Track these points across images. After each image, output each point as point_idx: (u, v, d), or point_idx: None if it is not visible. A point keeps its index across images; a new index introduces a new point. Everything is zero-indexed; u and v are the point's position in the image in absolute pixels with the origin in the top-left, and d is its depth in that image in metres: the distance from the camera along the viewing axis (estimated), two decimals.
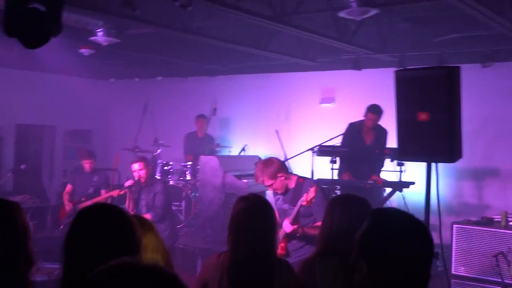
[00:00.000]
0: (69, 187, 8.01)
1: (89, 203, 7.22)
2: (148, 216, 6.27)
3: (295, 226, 4.47)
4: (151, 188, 6.60)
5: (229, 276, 2.92)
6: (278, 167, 4.70)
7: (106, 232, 1.91)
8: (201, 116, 10.05)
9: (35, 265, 2.53)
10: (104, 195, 7.58)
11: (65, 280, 1.90)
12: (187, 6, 5.14)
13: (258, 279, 2.94)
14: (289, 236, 4.61)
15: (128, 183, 6.65)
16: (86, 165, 7.95)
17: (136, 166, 6.57)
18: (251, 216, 3.01)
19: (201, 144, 9.61)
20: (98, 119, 12.45)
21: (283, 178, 4.71)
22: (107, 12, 6.55)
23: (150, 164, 6.81)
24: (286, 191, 4.75)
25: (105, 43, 7.38)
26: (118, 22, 7.13)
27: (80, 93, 11.65)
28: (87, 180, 7.86)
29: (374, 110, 7.28)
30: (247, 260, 2.95)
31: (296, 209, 4.46)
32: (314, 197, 4.30)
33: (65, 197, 7.83)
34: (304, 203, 4.32)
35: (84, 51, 8.42)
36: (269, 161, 4.77)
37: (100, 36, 7.19)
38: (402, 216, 1.88)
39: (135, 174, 6.59)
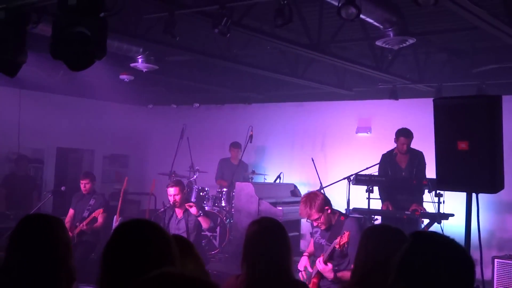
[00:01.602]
0: (71, 212, 7.78)
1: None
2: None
3: (329, 266, 4.37)
4: (186, 212, 6.61)
5: None
6: (324, 200, 4.62)
7: (142, 246, 1.92)
8: (234, 145, 10.06)
9: (75, 281, 2.55)
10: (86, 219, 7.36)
11: None
12: (226, 34, 5.20)
13: None
14: (322, 275, 4.52)
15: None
16: (82, 185, 7.69)
17: (171, 191, 6.59)
18: (264, 239, 3.02)
19: (235, 170, 9.62)
20: (135, 144, 12.62)
21: (329, 211, 4.62)
22: (147, 39, 6.69)
23: (185, 189, 6.82)
24: (329, 226, 4.65)
25: (145, 70, 7.52)
26: (157, 49, 7.26)
27: (119, 119, 11.86)
28: (85, 203, 7.63)
29: (406, 134, 7.25)
30: (262, 282, 2.95)
31: (329, 250, 4.36)
32: (346, 242, 4.18)
33: (67, 223, 7.72)
34: (337, 247, 4.22)
35: (124, 77, 8.59)
36: (314, 194, 4.67)
37: (140, 63, 7.34)
38: (443, 239, 1.84)
39: (170, 198, 6.61)
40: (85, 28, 3.22)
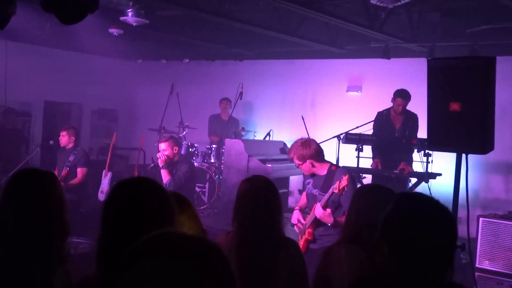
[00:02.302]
0: (57, 170, 7.59)
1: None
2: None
3: (328, 211, 4.42)
4: (177, 167, 6.63)
5: (236, 255, 2.94)
6: (312, 154, 4.66)
7: (142, 204, 1.92)
8: (224, 99, 10.07)
9: (69, 236, 2.57)
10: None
11: (101, 249, 1.92)
12: None
13: (264, 258, 2.96)
14: (317, 222, 4.58)
15: (159, 157, 6.62)
16: (60, 138, 7.53)
17: (162, 146, 6.61)
18: (255, 197, 3.04)
19: (225, 126, 9.61)
20: (124, 99, 12.55)
21: (310, 165, 4.68)
22: None
23: (176, 145, 6.80)
24: (312, 175, 4.74)
25: (135, 24, 7.39)
26: (148, 3, 7.12)
27: (108, 73, 11.74)
28: (65, 159, 7.48)
29: (403, 95, 7.29)
30: (253, 239, 2.99)
31: (328, 195, 4.41)
32: (346, 185, 4.24)
33: None
34: (336, 191, 4.27)
35: (113, 31, 8.45)
36: (308, 143, 4.74)
37: (129, 17, 7.20)
38: (427, 200, 1.86)
39: (160, 154, 6.62)
40: None
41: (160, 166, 6.56)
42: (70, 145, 7.56)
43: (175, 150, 6.69)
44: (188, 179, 6.65)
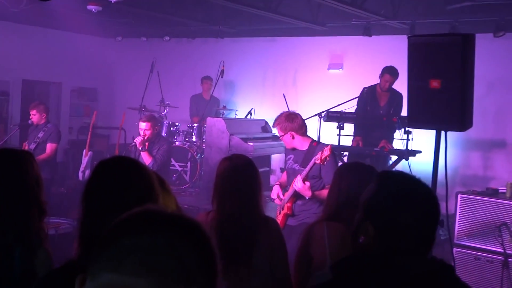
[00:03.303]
0: (24, 145, 7.52)
1: None
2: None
3: (307, 184, 4.46)
4: (156, 146, 6.62)
5: (217, 234, 2.96)
6: (294, 127, 4.76)
7: (124, 183, 1.92)
8: (206, 78, 10.01)
9: (47, 216, 2.56)
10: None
11: (83, 229, 1.91)
12: None
13: (244, 236, 2.99)
14: (296, 196, 4.62)
15: (137, 140, 6.60)
16: (31, 117, 7.43)
17: (142, 125, 6.56)
18: (235, 175, 3.05)
19: (207, 106, 9.58)
20: (104, 78, 12.40)
21: (291, 137, 4.75)
22: None
23: (157, 124, 6.77)
24: (294, 148, 4.80)
25: (113, 1, 7.28)
26: None
27: (87, 51, 11.59)
28: (35, 135, 7.40)
29: (392, 72, 7.34)
30: (233, 218, 3.00)
31: (309, 166, 4.45)
32: (329, 155, 4.28)
33: None
34: (318, 161, 4.31)
35: (92, 8, 8.31)
36: (292, 116, 4.83)
37: None
38: (409, 179, 1.87)
39: (141, 133, 6.59)
40: None
41: (139, 148, 6.51)
42: (42, 122, 7.48)
43: (156, 130, 6.66)
44: (169, 157, 6.65)
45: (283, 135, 4.78)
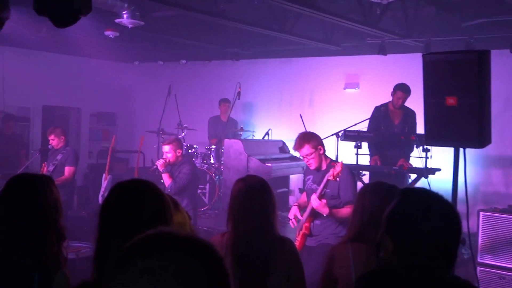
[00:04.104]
0: (44, 166, 7.62)
1: None
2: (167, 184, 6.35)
3: (323, 201, 4.43)
4: (178, 168, 6.60)
5: (232, 254, 2.94)
6: (320, 141, 4.78)
7: (138, 205, 1.93)
8: (224, 100, 10.05)
9: (66, 240, 2.57)
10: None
11: (98, 250, 1.92)
12: None
13: (259, 257, 2.97)
14: (314, 215, 4.59)
15: (159, 162, 6.59)
16: (50, 142, 7.59)
17: (166, 148, 6.56)
18: (248, 196, 3.05)
19: (224, 128, 9.60)
20: (122, 102, 12.54)
21: (322, 152, 4.75)
22: None
23: (180, 147, 6.76)
24: (318, 168, 4.76)
25: (130, 26, 7.38)
26: (143, 5, 7.12)
27: (105, 76, 11.74)
28: (54, 158, 7.53)
29: (404, 89, 7.31)
30: (247, 238, 3.00)
31: (323, 183, 4.43)
32: (341, 171, 4.26)
33: None
34: (331, 178, 4.29)
35: (109, 33, 8.43)
36: (311, 133, 4.86)
37: (125, 19, 7.19)
38: (429, 195, 1.86)
39: (165, 156, 6.58)
40: None
41: (161, 170, 6.50)
42: (61, 145, 7.60)
43: (178, 153, 6.64)
44: (190, 181, 6.62)
45: (314, 153, 4.71)
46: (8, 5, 3.35)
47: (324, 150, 4.81)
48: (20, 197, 2.56)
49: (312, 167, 4.79)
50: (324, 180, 4.42)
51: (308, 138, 4.75)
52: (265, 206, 3.04)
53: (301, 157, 5.01)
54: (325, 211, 4.45)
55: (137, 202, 1.94)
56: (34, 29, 8.29)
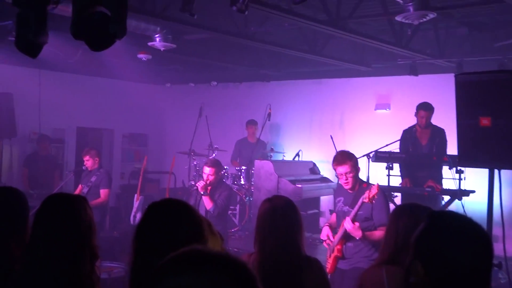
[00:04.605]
0: (79, 187, 7.86)
1: None
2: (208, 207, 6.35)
3: (356, 224, 4.39)
4: (217, 191, 6.61)
5: (259, 275, 2.92)
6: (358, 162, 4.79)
7: (173, 224, 1.94)
8: (251, 123, 10.07)
9: (98, 260, 2.60)
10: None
11: (133, 269, 1.93)
12: (244, 11, 5.16)
13: (286, 277, 2.96)
14: (346, 238, 4.55)
15: (199, 184, 6.60)
16: (85, 163, 7.73)
17: (207, 170, 6.57)
18: (274, 216, 3.05)
19: (253, 149, 9.61)
20: (154, 123, 12.70)
21: (358, 174, 4.73)
22: (165, 18, 6.67)
23: (221, 170, 6.79)
24: (352, 188, 4.73)
25: (163, 49, 7.51)
26: (175, 28, 7.24)
27: (137, 98, 11.92)
28: (88, 180, 7.67)
29: (425, 107, 7.22)
30: (273, 258, 2.99)
31: (357, 206, 4.39)
32: (377, 193, 4.22)
33: None
34: (366, 200, 4.25)
35: (142, 57, 8.60)
36: (353, 154, 4.84)
37: (157, 42, 7.32)
38: (459, 218, 1.83)
39: (204, 177, 6.59)
40: (105, 7, 3.23)
41: (201, 192, 6.50)
42: (95, 166, 7.73)
43: (219, 175, 6.67)
44: (228, 205, 6.65)
45: (354, 172, 4.68)
46: (47, 30, 3.45)
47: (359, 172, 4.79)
48: (55, 216, 2.60)
49: (347, 187, 4.75)
50: (359, 203, 4.38)
51: (351, 157, 4.73)
52: (291, 226, 3.04)
53: (336, 176, 4.97)
54: (358, 234, 4.40)
55: (173, 221, 1.95)
56: (70, 53, 8.50)
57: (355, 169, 4.68)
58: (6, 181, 9.32)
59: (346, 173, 4.67)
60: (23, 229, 3.01)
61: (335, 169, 4.82)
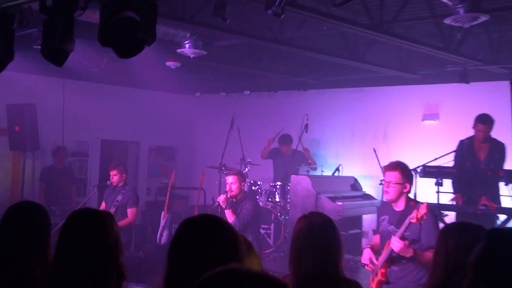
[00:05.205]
0: (102, 205, 7.95)
1: None
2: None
3: (406, 242, 4.35)
4: (240, 204, 6.67)
5: None
6: (412, 180, 4.75)
7: (208, 242, 1.97)
8: (284, 141, 9.97)
9: (126, 279, 2.65)
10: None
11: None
12: (280, 14, 5.20)
13: None
14: (392, 260, 4.51)
15: (220, 198, 6.70)
16: (110, 177, 7.82)
17: (229, 179, 6.68)
18: (310, 234, 3.02)
19: (290, 162, 9.56)
20: (182, 135, 12.83)
21: (406, 190, 4.68)
22: (195, 23, 6.76)
23: (244, 180, 6.88)
24: (393, 200, 4.70)
25: (192, 56, 7.60)
26: (205, 34, 7.33)
27: (165, 108, 12.08)
28: (113, 198, 7.75)
29: (484, 120, 7.04)
30: (309, 280, 2.96)
31: (404, 226, 4.35)
32: (426, 213, 4.18)
33: None
34: (414, 221, 4.21)
35: (171, 64, 8.72)
36: (410, 169, 4.82)
37: (187, 48, 7.41)
38: None
39: (227, 187, 6.69)
40: (134, 13, 3.31)
41: (223, 206, 6.60)
42: (121, 183, 7.83)
43: (243, 186, 6.76)
44: (254, 217, 6.68)
45: (398, 184, 4.65)
46: (73, 37, 3.55)
47: (410, 190, 4.72)
48: (81, 232, 2.67)
49: (387, 197, 4.73)
50: (406, 223, 4.33)
51: (404, 168, 4.70)
52: (329, 246, 3.02)
53: (382, 182, 4.95)
54: (409, 252, 4.36)
55: (208, 239, 1.98)
56: (95, 61, 8.68)
57: (403, 183, 4.64)
58: (28, 196, 9.51)
59: (390, 182, 4.66)
60: (45, 247, 3.09)
61: (383, 175, 4.82)
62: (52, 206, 8.84)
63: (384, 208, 5.01)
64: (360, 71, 9.11)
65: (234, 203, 6.69)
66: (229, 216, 6.53)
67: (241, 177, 6.79)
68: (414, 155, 8.44)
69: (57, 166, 9.97)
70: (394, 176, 4.65)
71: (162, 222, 8.20)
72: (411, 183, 4.71)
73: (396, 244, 4.36)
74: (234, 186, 6.62)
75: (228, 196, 6.63)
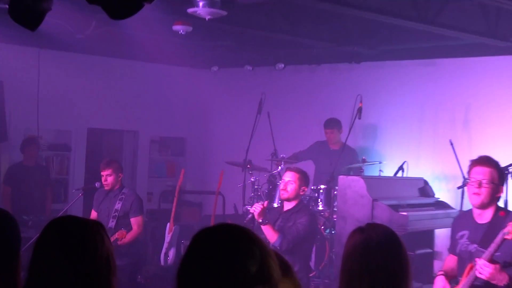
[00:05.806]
0: (93, 214, 7.99)
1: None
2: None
3: (496, 266, 4.32)
4: (293, 216, 6.66)
5: None
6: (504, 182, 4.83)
7: (230, 259, 1.97)
8: (329, 125, 10.03)
9: None
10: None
11: None
12: None
13: None
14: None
15: (255, 209, 6.63)
16: (103, 179, 7.83)
17: (288, 176, 6.70)
18: (367, 253, 3.02)
19: (338, 159, 9.51)
20: (194, 123, 12.85)
21: (498, 195, 4.69)
22: None
23: (307, 185, 6.89)
24: (481, 206, 4.68)
25: (208, 17, 7.59)
26: None
27: (171, 87, 12.12)
28: (109, 206, 7.81)
29: None
30: None
31: (495, 244, 4.32)
32: None
33: None
34: (509, 237, 4.18)
35: (179, 29, 8.70)
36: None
37: (201, 7, 7.39)
38: None
39: (281, 185, 6.69)
40: None
41: (259, 220, 6.54)
42: (117, 186, 7.89)
43: (302, 191, 6.74)
44: (306, 238, 6.68)
45: (491, 185, 4.64)
46: None
47: (500, 196, 4.72)
48: (62, 248, 2.67)
49: (477, 201, 4.70)
50: (498, 240, 4.29)
51: (497, 165, 4.71)
52: (390, 268, 3.01)
53: (466, 180, 4.92)
54: (502, 279, 4.33)
55: (228, 256, 1.98)
56: (80, 25, 8.69)
57: (497, 184, 4.63)
58: None
59: (481, 181, 4.63)
60: (14, 268, 3.10)
61: (469, 172, 4.77)
62: (23, 215, 8.85)
63: (461, 220, 4.98)
64: (431, 38, 9.04)
65: (281, 214, 6.66)
66: (270, 234, 6.48)
67: (304, 178, 6.77)
68: (505, 149, 8.37)
69: (27, 163, 9.97)
70: (488, 173, 4.61)
71: (168, 237, 8.26)
72: (502, 184, 4.69)
73: (484, 269, 4.32)
74: (290, 187, 6.60)
75: (264, 207, 6.58)
